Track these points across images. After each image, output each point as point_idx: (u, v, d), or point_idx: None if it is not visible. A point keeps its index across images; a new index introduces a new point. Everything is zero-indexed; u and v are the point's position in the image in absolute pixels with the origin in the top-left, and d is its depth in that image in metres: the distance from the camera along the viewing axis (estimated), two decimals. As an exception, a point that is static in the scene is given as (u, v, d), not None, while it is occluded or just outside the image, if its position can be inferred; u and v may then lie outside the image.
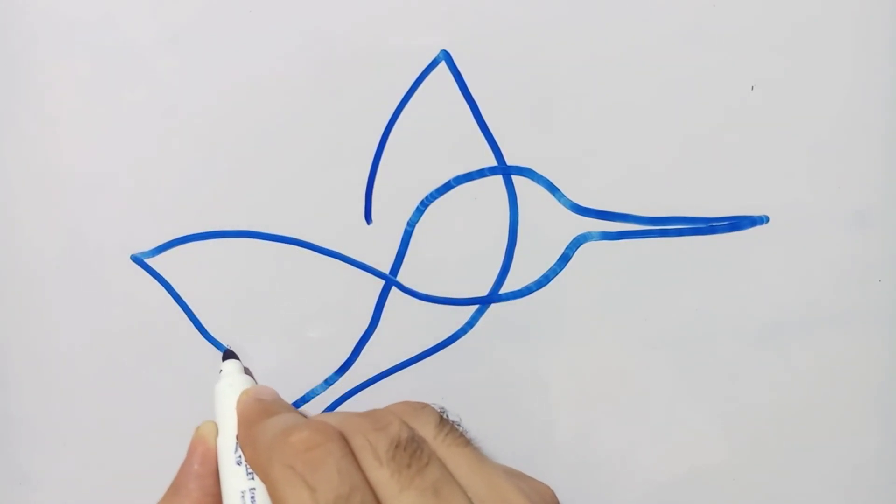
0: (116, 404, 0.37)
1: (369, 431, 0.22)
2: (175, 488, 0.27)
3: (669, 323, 0.35)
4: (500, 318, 0.35)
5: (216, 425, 0.27)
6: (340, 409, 0.36)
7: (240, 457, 0.26)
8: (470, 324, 0.35)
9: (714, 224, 0.34)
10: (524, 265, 0.35)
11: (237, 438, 0.26)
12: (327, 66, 0.34)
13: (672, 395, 0.35)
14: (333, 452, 0.21)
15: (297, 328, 0.36)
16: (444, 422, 0.23)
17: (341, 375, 0.36)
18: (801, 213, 0.34)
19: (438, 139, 0.34)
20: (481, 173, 0.34)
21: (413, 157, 0.34)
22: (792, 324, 0.34)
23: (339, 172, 0.35)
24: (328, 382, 0.36)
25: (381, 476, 0.21)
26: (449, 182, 0.34)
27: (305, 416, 0.25)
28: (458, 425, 0.23)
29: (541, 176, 0.34)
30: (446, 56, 0.33)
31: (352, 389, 0.36)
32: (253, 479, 0.25)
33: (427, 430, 0.23)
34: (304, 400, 0.35)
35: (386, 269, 0.35)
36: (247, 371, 0.29)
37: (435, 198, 0.35)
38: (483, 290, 0.35)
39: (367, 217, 0.35)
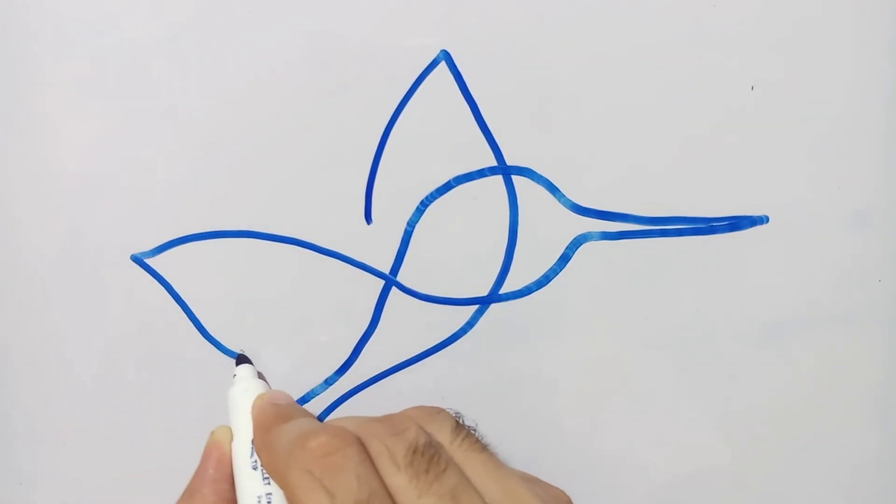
0: (116, 404, 0.37)
1: (386, 436, 0.22)
2: (189, 493, 0.27)
3: (669, 323, 0.35)
4: (500, 318, 0.35)
5: (230, 430, 0.27)
6: (340, 409, 0.36)
7: (255, 462, 0.25)
8: (470, 324, 0.35)
9: (714, 224, 0.34)
10: (524, 265, 0.35)
11: (253, 443, 0.26)
12: (327, 66, 0.34)
13: (672, 395, 0.35)
14: (352, 457, 0.21)
15: (297, 328, 0.36)
16: (460, 427, 0.23)
17: (341, 375, 0.36)
18: (801, 213, 0.34)
19: (438, 139, 0.34)
20: (481, 173, 0.34)
21: (413, 157, 0.34)
22: (792, 324, 0.34)
23: (339, 172, 0.35)
24: (328, 382, 0.36)
25: (399, 481, 0.21)
26: (449, 182, 0.34)
27: (321, 421, 0.25)
28: (474, 430, 0.23)
29: (541, 176, 0.34)
30: (446, 56, 0.33)
31: (352, 389, 0.36)
32: (269, 483, 0.25)
33: (443, 436, 0.23)
34: (304, 400, 0.35)
35: (386, 269, 0.35)
36: (260, 375, 0.29)
37: (435, 198, 0.35)
38: (483, 290, 0.35)
39: (367, 217, 0.35)
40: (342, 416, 0.27)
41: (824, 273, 0.34)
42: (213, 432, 0.27)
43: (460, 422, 0.24)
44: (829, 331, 0.34)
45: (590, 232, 0.34)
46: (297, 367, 0.36)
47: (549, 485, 0.24)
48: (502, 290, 0.35)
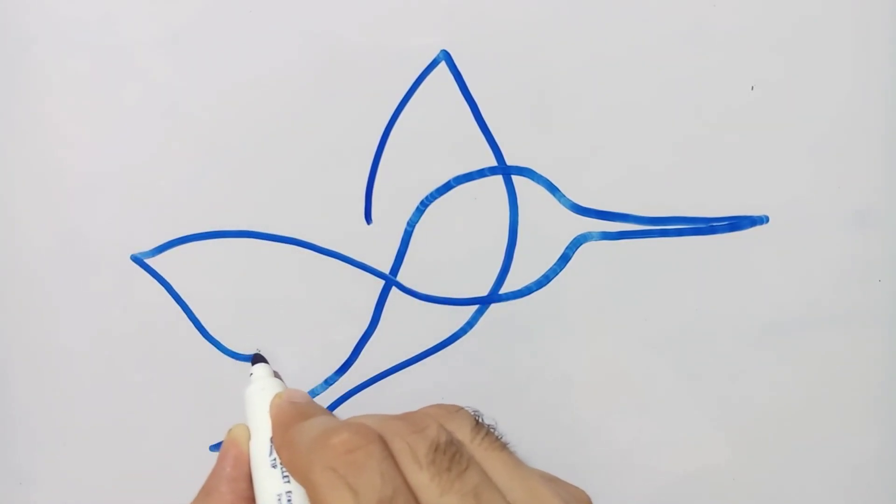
0: (116, 404, 0.37)
1: (408, 434, 0.22)
2: (206, 492, 0.27)
3: (669, 323, 0.35)
4: (500, 318, 0.35)
5: (248, 428, 0.27)
6: (340, 409, 0.36)
7: (275, 460, 0.25)
8: (470, 324, 0.35)
9: (714, 224, 0.34)
10: (524, 265, 0.35)
11: (272, 441, 0.26)
12: (327, 66, 0.34)
13: (672, 395, 0.35)
14: (375, 455, 0.21)
15: (296, 328, 0.36)
16: (479, 425, 0.23)
17: (341, 375, 0.36)
18: (801, 213, 0.34)
19: (438, 139, 0.34)
20: (481, 173, 0.34)
21: (413, 157, 0.34)
22: (792, 324, 0.34)
23: (339, 172, 0.35)
24: (328, 382, 0.36)
25: (422, 479, 0.21)
26: (449, 182, 0.34)
27: (340, 419, 0.25)
28: (493, 429, 0.23)
29: (541, 176, 0.34)
30: (446, 56, 0.33)
31: (352, 389, 0.36)
32: (289, 482, 0.25)
33: (463, 434, 0.23)
34: (304, 400, 0.35)
35: (386, 269, 0.35)
36: (276, 374, 0.29)
37: (435, 198, 0.35)
38: (483, 290, 0.35)
39: (367, 217, 0.35)
40: (343, 416, 0.27)
41: (824, 273, 0.34)
42: (230, 430, 0.27)
43: (479, 420, 0.24)
44: (829, 331, 0.34)
45: (590, 232, 0.34)
46: (297, 366, 0.36)
47: (568, 484, 0.24)
48: (502, 290, 0.35)
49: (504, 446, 0.23)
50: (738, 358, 0.35)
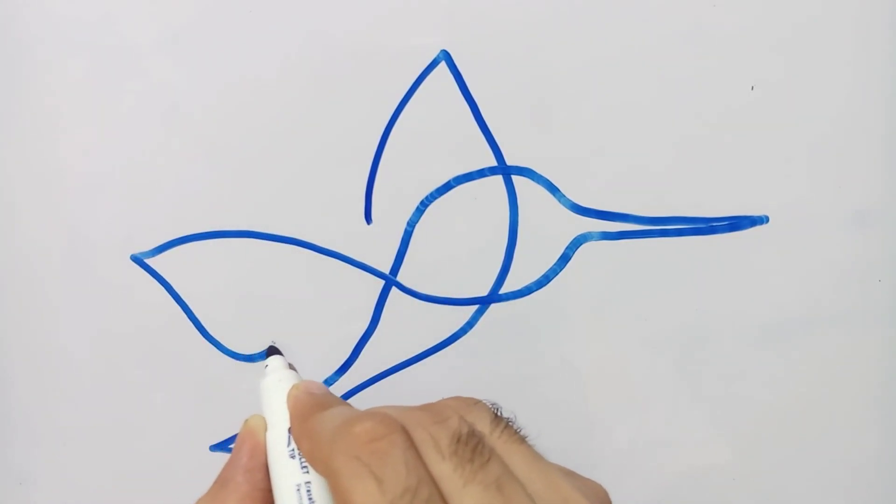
0: (116, 404, 0.37)
1: (430, 425, 0.22)
2: (222, 482, 0.26)
3: (669, 323, 0.35)
4: (500, 318, 0.35)
5: (264, 419, 0.27)
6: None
7: (293, 450, 0.25)
8: (470, 324, 0.35)
9: (714, 224, 0.34)
10: (524, 265, 0.35)
11: (289, 432, 0.26)
12: (327, 66, 0.34)
13: (672, 395, 0.35)
14: (399, 444, 0.21)
15: (297, 328, 0.36)
16: (498, 418, 0.23)
17: (341, 375, 0.36)
18: (801, 213, 0.34)
19: (438, 139, 0.34)
20: (481, 173, 0.34)
21: (413, 157, 0.34)
22: (792, 324, 0.34)
23: (339, 172, 0.35)
24: (328, 382, 0.36)
25: (444, 470, 0.21)
26: (449, 182, 0.34)
27: (360, 409, 0.25)
28: (512, 422, 0.23)
29: (541, 176, 0.34)
30: (446, 56, 0.33)
31: (352, 389, 0.36)
32: (308, 472, 0.25)
33: (483, 426, 0.23)
34: (304, 400, 0.35)
35: (386, 269, 0.35)
36: (291, 366, 0.29)
37: (435, 198, 0.35)
38: (483, 290, 0.35)
39: (367, 217, 0.35)
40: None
41: (824, 273, 0.34)
42: (246, 421, 0.27)
43: (498, 413, 0.24)
44: (829, 331, 0.34)
45: (590, 232, 0.34)
46: (297, 366, 0.36)
47: (587, 479, 0.24)
48: (502, 290, 0.35)
49: (523, 439, 0.23)
50: (738, 358, 0.35)
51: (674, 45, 0.33)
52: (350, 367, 0.36)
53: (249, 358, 0.36)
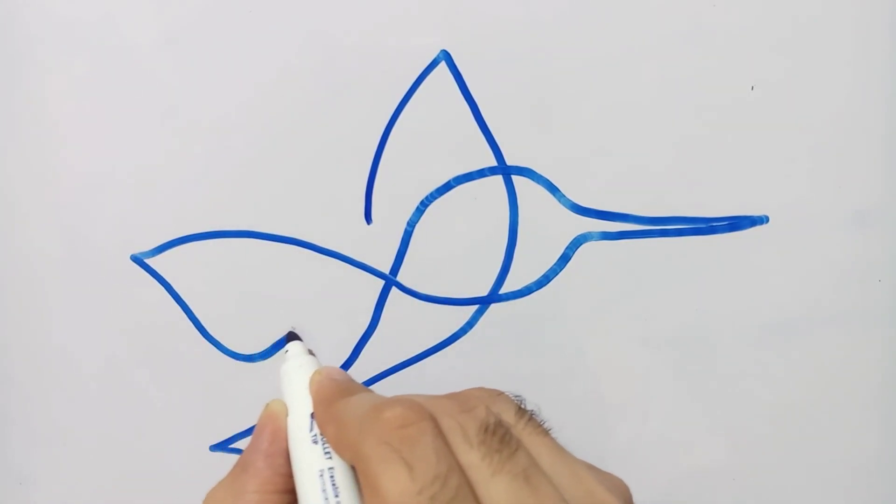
0: (116, 404, 0.37)
1: (457, 413, 0.22)
2: (243, 466, 0.26)
3: (669, 323, 0.35)
4: (500, 318, 0.35)
5: (285, 404, 0.27)
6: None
7: (315, 436, 0.25)
8: (470, 324, 0.35)
9: (714, 224, 0.34)
10: (524, 265, 0.35)
11: (312, 417, 0.25)
12: (327, 66, 0.34)
13: (672, 395, 0.35)
14: (428, 431, 0.21)
15: (296, 328, 0.36)
16: (522, 410, 0.23)
17: (341, 375, 0.36)
18: (801, 213, 0.34)
19: (438, 139, 0.34)
20: (481, 173, 0.34)
21: (413, 157, 0.34)
22: (792, 324, 0.34)
23: (339, 172, 0.35)
24: (328, 382, 0.36)
25: (472, 459, 0.21)
26: (449, 182, 0.34)
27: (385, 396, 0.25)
28: (536, 414, 0.23)
29: (541, 176, 0.34)
30: (446, 56, 0.33)
31: (352, 389, 0.36)
32: (330, 457, 0.24)
33: (507, 417, 0.23)
34: (304, 400, 0.35)
35: (386, 269, 0.35)
36: (310, 352, 0.29)
37: (435, 198, 0.35)
38: (483, 290, 0.35)
39: (367, 217, 0.35)
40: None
41: (824, 273, 0.34)
42: (267, 405, 0.27)
43: (522, 405, 0.23)
44: (829, 331, 0.34)
45: (590, 232, 0.34)
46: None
47: (610, 474, 0.24)
48: (502, 290, 0.35)
49: (547, 432, 0.23)
50: (738, 358, 0.35)
51: (674, 45, 0.33)
52: (350, 367, 0.36)
53: (249, 358, 0.36)
